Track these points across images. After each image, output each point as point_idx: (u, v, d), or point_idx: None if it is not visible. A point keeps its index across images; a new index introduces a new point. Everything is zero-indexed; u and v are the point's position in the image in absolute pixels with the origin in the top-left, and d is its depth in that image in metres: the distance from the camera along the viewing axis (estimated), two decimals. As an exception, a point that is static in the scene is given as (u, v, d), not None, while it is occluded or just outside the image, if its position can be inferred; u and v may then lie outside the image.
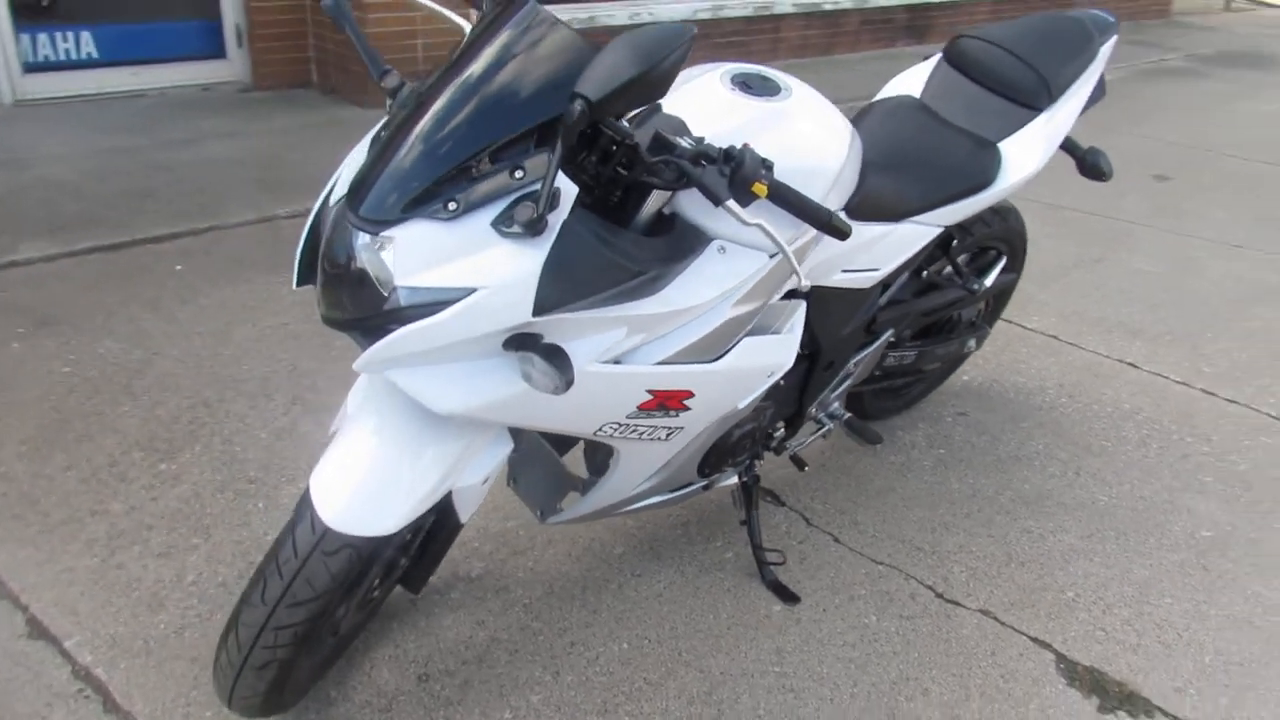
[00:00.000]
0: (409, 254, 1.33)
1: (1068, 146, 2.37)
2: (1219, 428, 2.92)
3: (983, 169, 2.17)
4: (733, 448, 1.98)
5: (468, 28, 1.55)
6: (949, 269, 2.41)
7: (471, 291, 1.32)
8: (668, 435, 1.72)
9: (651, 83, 1.30)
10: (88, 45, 5.14)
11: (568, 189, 1.35)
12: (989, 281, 2.50)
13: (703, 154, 1.40)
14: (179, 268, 3.45)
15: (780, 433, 2.19)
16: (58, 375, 2.77)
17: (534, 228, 1.31)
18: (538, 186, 1.32)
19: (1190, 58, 8.80)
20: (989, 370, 3.16)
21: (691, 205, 1.58)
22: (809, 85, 1.79)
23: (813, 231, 1.70)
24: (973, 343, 2.68)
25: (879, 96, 2.37)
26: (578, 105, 1.25)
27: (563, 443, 2.06)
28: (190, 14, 5.39)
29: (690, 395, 1.65)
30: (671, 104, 1.66)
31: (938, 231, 2.15)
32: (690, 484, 2.04)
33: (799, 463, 2.34)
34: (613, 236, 1.44)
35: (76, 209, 3.82)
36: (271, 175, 4.35)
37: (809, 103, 1.75)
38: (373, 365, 1.39)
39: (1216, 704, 1.97)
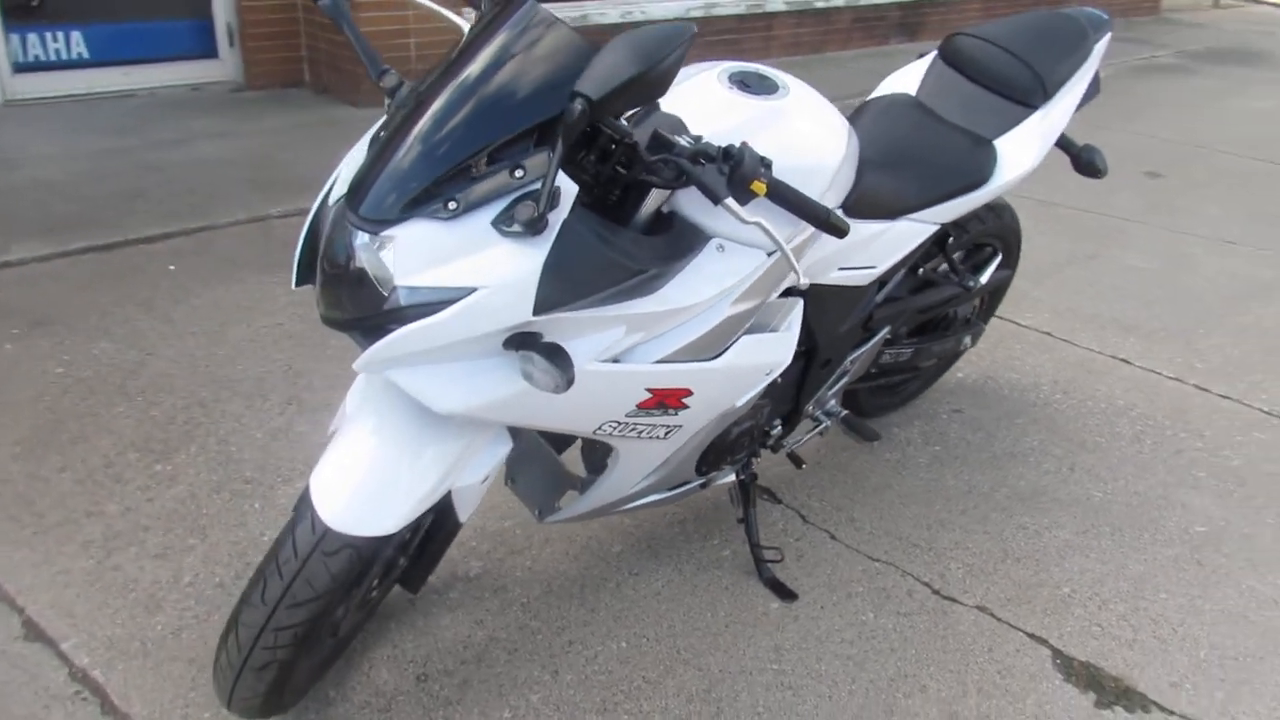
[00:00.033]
0: (409, 254, 1.33)
1: (1063, 144, 2.38)
2: (1212, 423, 2.93)
3: (979, 166, 2.18)
4: (731, 446, 1.99)
5: (466, 27, 1.54)
6: (945, 266, 2.42)
7: (472, 291, 1.32)
8: (666, 433, 1.72)
9: (652, 82, 1.30)
10: (78, 45, 5.12)
11: (568, 188, 1.35)
12: (984, 278, 2.51)
13: (701, 152, 1.40)
14: (172, 268, 3.44)
15: (777, 430, 2.19)
16: (52, 376, 2.76)
17: (535, 227, 1.31)
18: (538, 185, 1.32)
19: (1180, 54, 8.83)
20: (983, 367, 3.16)
21: (690, 204, 1.58)
22: (806, 83, 1.80)
23: (810, 229, 1.71)
24: (968, 339, 2.69)
25: (875, 94, 2.38)
26: (578, 104, 1.26)
27: (560, 442, 2.06)
28: (181, 13, 5.37)
29: (689, 394, 1.65)
30: (669, 102, 1.66)
31: (934, 229, 2.16)
32: (688, 482, 2.04)
33: (796, 460, 2.34)
34: (612, 235, 1.44)
35: (68, 209, 3.81)
36: (264, 175, 4.33)
37: (807, 101, 1.76)
38: (373, 365, 1.39)
39: (1212, 698, 1.98)
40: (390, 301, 1.35)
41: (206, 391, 2.74)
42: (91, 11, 5.08)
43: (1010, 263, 2.70)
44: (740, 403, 1.79)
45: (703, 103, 1.68)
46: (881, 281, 2.20)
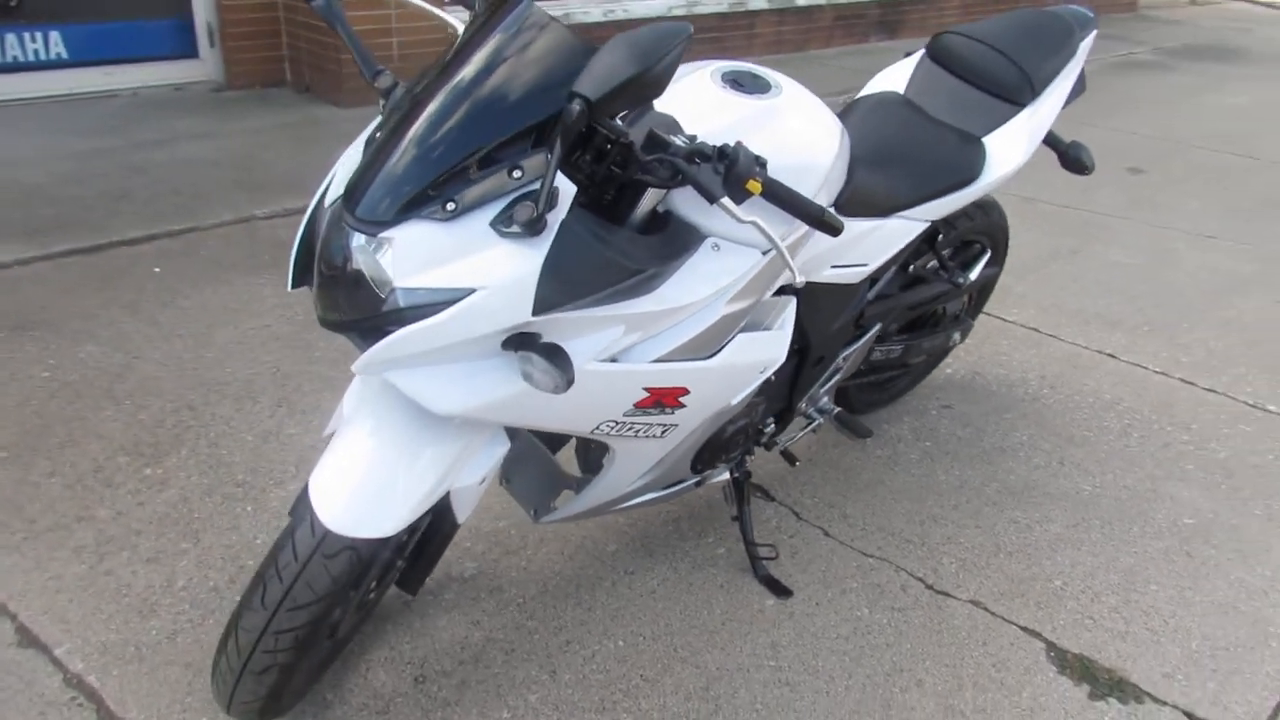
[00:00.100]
0: (407, 255, 1.33)
1: (1050, 141, 2.40)
2: (1198, 416, 2.96)
3: (968, 164, 2.19)
4: (725, 444, 1.99)
5: (460, 27, 1.54)
6: (934, 263, 2.43)
7: (471, 292, 1.32)
8: (663, 432, 1.72)
9: (650, 82, 1.30)
10: (57, 45, 5.07)
11: (566, 188, 1.35)
12: (973, 275, 2.52)
13: (697, 152, 1.40)
14: (158, 270, 3.42)
15: (771, 428, 2.20)
16: (38, 380, 2.74)
17: (533, 227, 1.31)
18: (536, 186, 1.32)
19: (1158, 51, 8.90)
20: (971, 363, 3.18)
21: (685, 203, 1.58)
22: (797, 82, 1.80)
23: (804, 228, 1.71)
24: (957, 336, 2.70)
25: (863, 92, 2.39)
26: (576, 105, 1.26)
27: (555, 441, 2.06)
28: (161, 13, 5.33)
29: (686, 392, 1.65)
30: (663, 102, 1.66)
31: (924, 226, 2.17)
32: (683, 480, 2.05)
33: (790, 458, 2.35)
34: (610, 235, 1.44)
35: (51, 211, 3.78)
36: (248, 175, 4.31)
37: (799, 100, 1.76)
38: (372, 367, 1.39)
39: (1204, 689, 2.00)
40: (388, 303, 1.35)
41: (195, 394, 2.72)
42: (70, 11, 5.03)
43: (998, 259, 2.72)
44: (735, 401, 1.80)
45: (696, 102, 1.68)
46: (873, 279, 2.21)
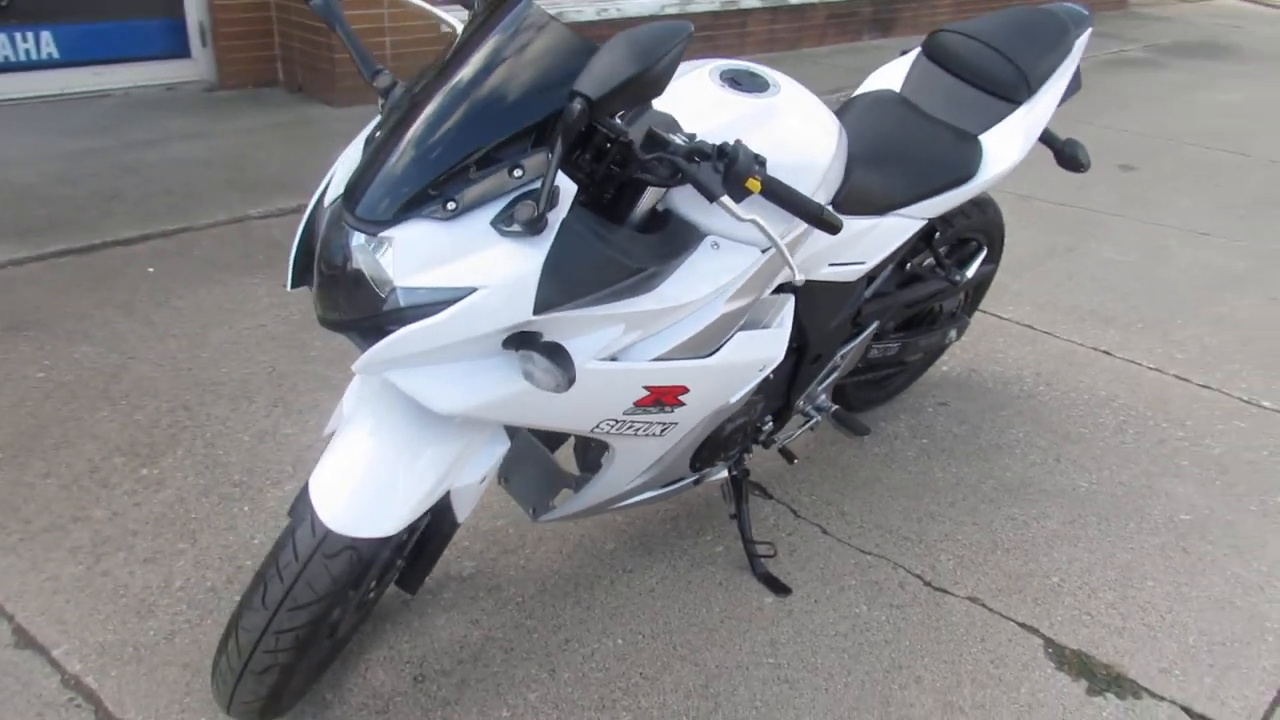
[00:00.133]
0: (408, 254, 1.33)
1: (1046, 138, 2.40)
2: (1193, 412, 2.97)
3: (965, 162, 2.19)
4: (724, 442, 1.99)
5: (459, 26, 1.54)
6: (931, 261, 2.44)
7: (472, 291, 1.32)
8: (662, 431, 1.72)
9: (651, 80, 1.30)
10: (48, 45, 5.04)
11: (567, 187, 1.35)
12: (970, 272, 2.53)
13: (696, 150, 1.40)
14: (151, 270, 3.41)
15: (769, 426, 2.20)
16: (32, 381, 2.73)
17: (534, 226, 1.31)
18: (537, 185, 1.32)
19: (1149, 48, 8.94)
20: (967, 360, 3.19)
21: (684, 202, 1.58)
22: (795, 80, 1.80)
23: (803, 226, 1.72)
24: (953, 333, 2.71)
25: (859, 91, 2.39)
26: (578, 104, 1.26)
27: (553, 440, 2.06)
28: (153, 13, 5.30)
29: (685, 391, 1.65)
30: (661, 101, 1.66)
31: (921, 224, 2.17)
32: (682, 479, 2.05)
33: (788, 455, 2.35)
34: (610, 234, 1.44)
35: (44, 212, 3.76)
36: (241, 175, 4.30)
37: (797, 98, 1.77)
38: (372, 366, 1.38)
39: (1201, 684, 2.01)
40: (389, 303, 1.34)
41: (190, 395, 2.71)
42: (62, 11, 5.01)
43: (994, 257, 2.72)
44: (734, 399, 1.80)
45: (695, 101, 1.68)
46: (870, 277, 2.22)
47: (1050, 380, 3.11)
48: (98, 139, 4.59)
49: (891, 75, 2.42)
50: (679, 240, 1.56)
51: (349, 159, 1.49)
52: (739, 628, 2.07)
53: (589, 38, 1.39)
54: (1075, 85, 2.46)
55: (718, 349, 1.67)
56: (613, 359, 1.51)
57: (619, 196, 1.53)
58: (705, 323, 1.60)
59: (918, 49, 2.47)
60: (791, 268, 1.55)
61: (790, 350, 1.98)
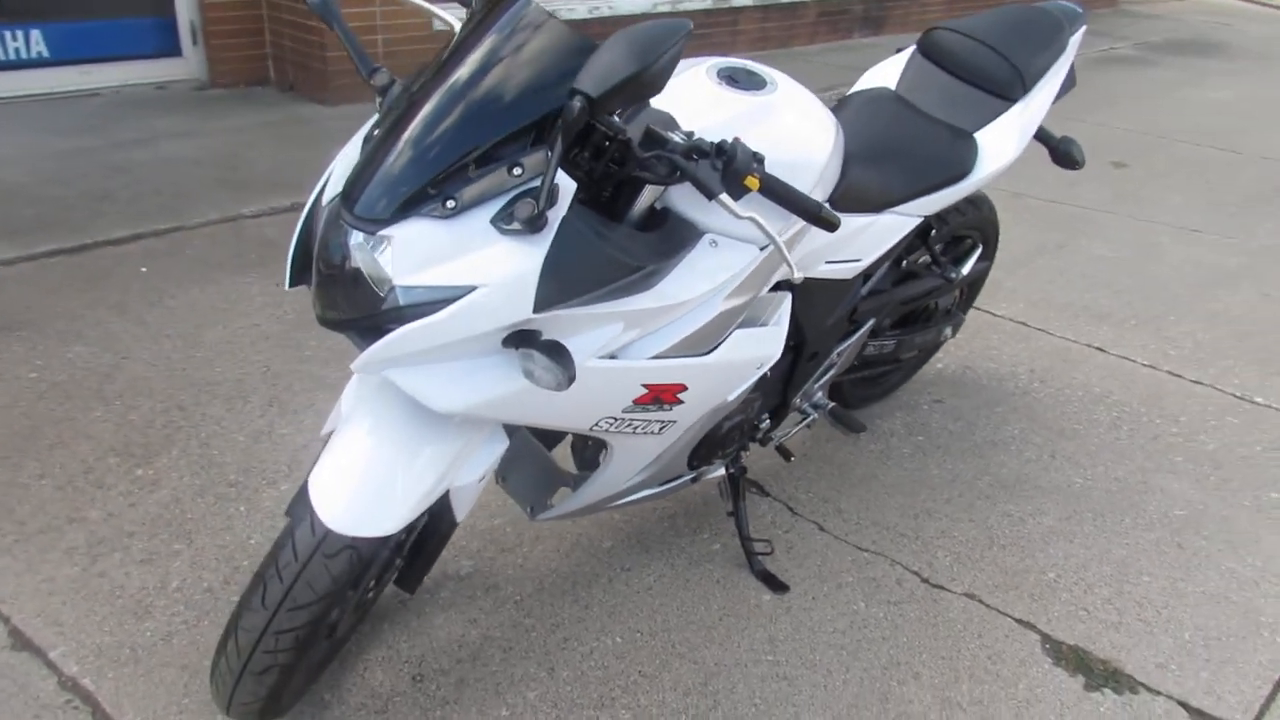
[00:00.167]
0: (407, 253, 1.32)
1: (1041, 136, 2.41)
2: (1186, 409, 2.98)
3: (961, 159, 2.20)
4: (722, 440, 1.99)
5: (457, 25, 1.53)
6: (927, 258, 2.44)
7: (471, 289, 1.32)
8: (660, 429, 1.72)
9: (650, 78, 1.30)
10: (38, 44, 5.02)
11: (567, 185, 1.34)
12: (966, 270, 2.53)
13: (695, 148, 1.40)
14: (144, 270, 3.39)
15: (765, 423, 2.20)
16: (25, 381, 2.71)
17: (535, 224, 1.31)
18: (536, 183, 1.32)
19: (1139, 46, 8.97)
20: (962, 357, 3.20)
21: (682, 200, 1.58)
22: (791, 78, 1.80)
23: (800, 223, 1.72)
24: (949, 330, 2.71)
25: (855, 89, 2.39)
26: (578, 102, 1.25)
27: (550, 439, 2.06)
28: (143, 11, 5.28)
29: (683, 389, 1.65)
30: (659, 99, 1.65)
31: (917, 221, 2.17)
32: (679, 476, 2.05)
33: (785, 453, 2.35)
34: (609, 232, 1.44)
35: (34, 212, 3.74)
36: (232, 174, 4.28)
37: (794, 96, 1.77)
38: (371, 366, 1.38)
39: (1198, 679, 2.01)
40: (388, 301, 1.34)
41: (185, 394, 2.70)
42: (51, 10, 4.98)
43: (989, 254, 2.73)
44: (732, 397, 1.80)
45: (691, 99, 1.68)
46: (866, 274, 2.22)
47: (1044, 377, 3.11)
48: (88, 138, 4.57)
49: (886, 73, 2.43)
50: (677, 238, 1.56)
51: (347, 157, 1.49)
52: (737, 625, 2.07)
53: (587, 35, 1.39)
54: (1070, 82, 2.46)
55: (716, 347, 1.67)
56: (612, 357, 1.51)
57: (617, 194, 1.53)
58: (704, 320, 1.61)
59: (912, 47, 2.47)
60: (790, 265, 1.55)
61: (787, 348, 1.98)
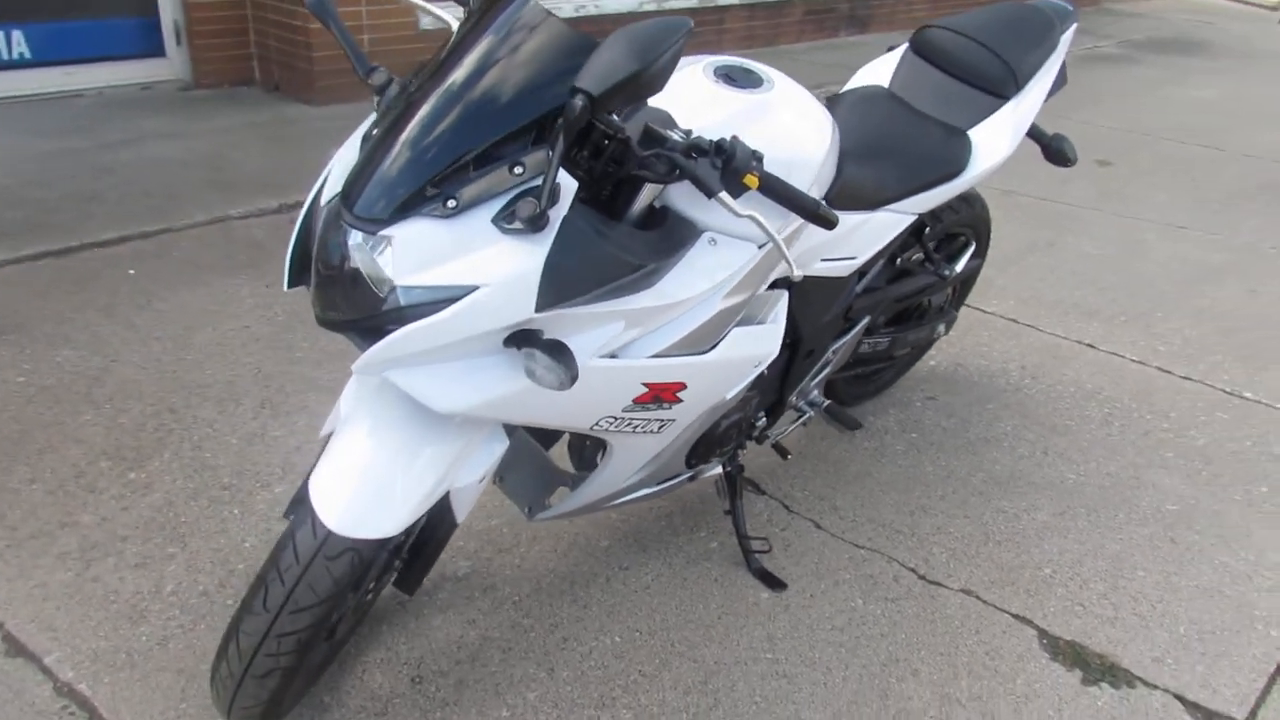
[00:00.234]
0: (407, 253, 1.32)
1: (1033, 133, 2.41)
2: (1176, 404, 3.00)
3: (955, 157, 2.20)
4: (720, 438, 1.99)
5: (454, 23, 1.53)
6: (920, 255, 2.45)
7: (473, 289, 1.31)
8: (660, 428, 1.72)
9: (651, 77, 1.30)
10: (19, 45, 4.98)
11: (568, 184, 1.34)
12: (959, 267, 2.54)
13: (694, 147, 1.40)
14: (132, 272, 3.37)
15: (762, 421, 2.20)
16: (13, 385, 2.69)
17: (536, 224, 1.30)
18: (537, 182, 1.32)
19: (1123, 44, 9.02)
20: (954, 354, 3.21)
21: (681, 198, 1.58)
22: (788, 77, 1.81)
23: (797, 221, 1.72)
24: (942, 327, 2.72)
25: (848, 87, 2.40)
26: (579, 100, 1.25)
27: (548, 438, 2.06)
28: (126, 11, 5.24)
29: (683, 387, 1.65)
30: (656, 97, 1.65)
31: (912, 219, 2.18)
32: (677, 475, 2.04)
33: (782, 451, 2.36)
34: (610, 231, 1.44)
35: (19, 214, 3.71)
36: (219, 175, 4.26)
37: (791, 94, 1.77)
38: (372, 367, 1.37)
39: (1194, 672, 2.03)
40: (388, 302, 1.33)
41: (176, 397, 2.68)
42: (33, 10, 4.94)
43: (981, 252, 2.74)
44: (730, 395, 1.80)
45: (689, 97, 1.68)
46: (861, 272, 2.22)
47: (1036, 374, 3.13)
48: (73, 140, 4.54)
49: (879, 71, 2.43)
50: (677, 236, 1.56)
51: (345, 157, 1.48)
52: (736, 623, 2.07)
53: (587, 34, 1.38)
54: (1061, 80, 2.48)
55: (715, 345, 1.67)
56: (612, 356, 1.51)
57: (616, 193, 1.53)
58: (703, 319, 1.60)
59: (905, 45, 2.48)
60: (789, 263, 1.56)
61: (783, 346, 1.98)
